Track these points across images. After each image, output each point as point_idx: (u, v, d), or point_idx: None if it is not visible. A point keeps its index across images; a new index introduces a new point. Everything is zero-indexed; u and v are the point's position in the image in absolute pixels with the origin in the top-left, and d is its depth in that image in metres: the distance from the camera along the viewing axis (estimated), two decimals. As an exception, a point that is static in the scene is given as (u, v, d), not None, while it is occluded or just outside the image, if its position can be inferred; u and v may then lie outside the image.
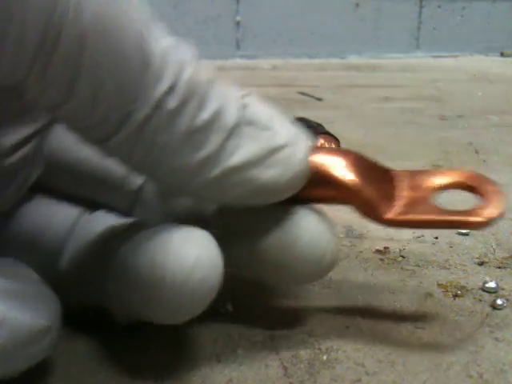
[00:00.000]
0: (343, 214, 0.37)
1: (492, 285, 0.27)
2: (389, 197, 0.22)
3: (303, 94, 0.85)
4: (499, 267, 0.30)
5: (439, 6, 1.37)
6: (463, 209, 0.23)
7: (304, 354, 0.23)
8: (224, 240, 0.20)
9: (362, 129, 0.63)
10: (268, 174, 0.20)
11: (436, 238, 0.34)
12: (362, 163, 0.22)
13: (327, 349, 0.23)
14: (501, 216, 0.21)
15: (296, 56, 1.25)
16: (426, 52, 1.36)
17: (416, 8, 1.36)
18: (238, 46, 1.29)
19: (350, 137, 0.58)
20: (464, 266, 0.30)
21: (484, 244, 0.33)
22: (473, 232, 0.35)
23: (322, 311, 0.26)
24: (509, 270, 0.30)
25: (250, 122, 0.20)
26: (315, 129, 0.51)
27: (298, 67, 1.15)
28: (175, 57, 0.18)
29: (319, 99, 0.81)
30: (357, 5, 1.32)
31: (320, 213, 0.22)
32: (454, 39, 1.38)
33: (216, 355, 0.22)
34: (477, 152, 0.54)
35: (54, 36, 0.16)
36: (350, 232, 0.34)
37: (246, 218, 0.22)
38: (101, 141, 0.18)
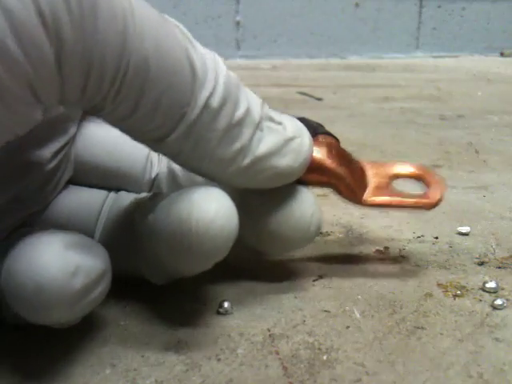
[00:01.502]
0: (343, 215, 0.37)
1: (492, 285, 0.27)
2: (361, 183, 0.28)
3: (303, 93, 0.85)
4: (499, 267, 0.30)
5: (439, 6, 1.37)
6: (415, 193, 0.28)
7: (304, 353, 0.23)
8: None
9: (361, 129, 0.63)
10: (285, 161, 0.24)
11: (436, 237, 0.34)
12: (343, 154, 0.27)
13: (327, 349, 0.23)
14: (441, 199, 0.28)
15: (296, 56, 1.25)
16: (425, 52, 1.36)
17: (416, 8, 1.37)
18: (238, 46, 1.29)
19: (349, 137, 0.58)
20: (464, 265, 0.30)
21: (484, 244, 0.33)
22: (473, 232, 0.35)
23: (321, 311, 0.26)
24: (509, 270, 0.30)
25: (268, 118, 0.23)
26: (315, 129, 0.51)
27: (297, 67, 1.15)
28: (211, 65, 0.21)
29: (319, 99, 0.81)
30: (357, 5, 1.32)
31: (307, 191, 0.26)
32: (454, 39, 1.38)
33: (216, 355, 0.22)
34: (477, 152, 0.54)
35: (125, 64, 0.18)
36: (350, 232, 0.34)
37: (251, 200, 0.26)
38: (157, 141, 0.21)
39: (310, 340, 0.23)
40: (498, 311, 0.26)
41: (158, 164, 0.29)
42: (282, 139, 0.23)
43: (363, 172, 0.28)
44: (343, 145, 0.50)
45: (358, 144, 0.56)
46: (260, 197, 0.25)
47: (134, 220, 0.26)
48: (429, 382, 0.21)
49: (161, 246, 0.22)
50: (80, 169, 0.28)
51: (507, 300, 0.26)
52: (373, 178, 0.28)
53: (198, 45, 0.21)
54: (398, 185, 0.29)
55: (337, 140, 0.49)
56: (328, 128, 0.54)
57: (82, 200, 0.28)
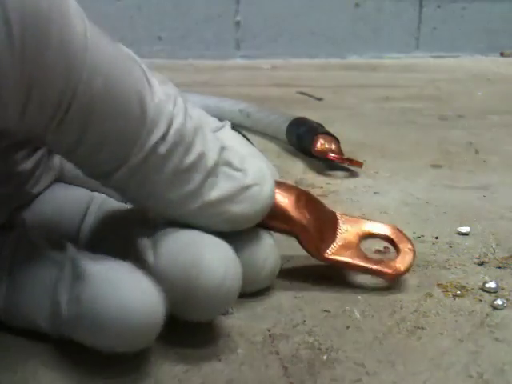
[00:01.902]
0: (343, 214, 0.37)
1: (492, 285, 0.27)
2: (328, 237, 0.27)
3: (303, 93, 0.85)
4: (499, 267, 0.30)
5: (439, 6, 1.37)
6: (381, 258, 0.28)
7: (304, 353, 0.23)
8: None
9: (362, 129, 0.63)
10: (239, 208, 0.23)
11: (436, 237, 0.34)
12: (314, 204, 0.27)
13: (327, 349, 0.23)
14: (405, 272, 0.27)
15: (296, 56, 1.25)
16: (425, 52, 1.36)
17: (416, 8, 1.36)
18: (237, 46, 1.29)
19: (349, 137, 0.58)
20: (464, 265, 0.30)
21: (484, 244, 0.33)
22: (473, 232, 0.35)
23: (322, 311, 0.26)
24: (509, 270, 0.30)
25: (226, 163, 0.23)
26: (315, 129, 0.51)
27: (297, 67, 1.15)
28: (167, 110, 0.21)
29: (319, 99, 0.81)
30: (357, 5, 1.32)
31: (267, 236, 0.26)
32: (454, 39, 1.38)
33: (216, 355, 0.22)
34: (477, 152, 0.54)
35: (69, 97, 0.18)
36: (350, 232, 0.34)
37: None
38: (101, 177, 0.21)
39: (310, 340, 0.23)
40: (497, 311, 0.26)
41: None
42: (237, 186, 0.23)
43: (334, 225, 0.28)
44: (343, 145, 0.50)
45: (358, 144, 0.56)
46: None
47: (127, 233, 0.24)
48: (429, 382, 0.21)
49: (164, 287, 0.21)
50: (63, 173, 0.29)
51: (507, 300, 0.26)
52: (342, 233, 0.28)
53: (156, 84, 0.21)
54: (369, 242, 0.29)
55: (337, 140, 0.50)
56: (328, 128, 0.54)
57: (67, 196, 0.27)
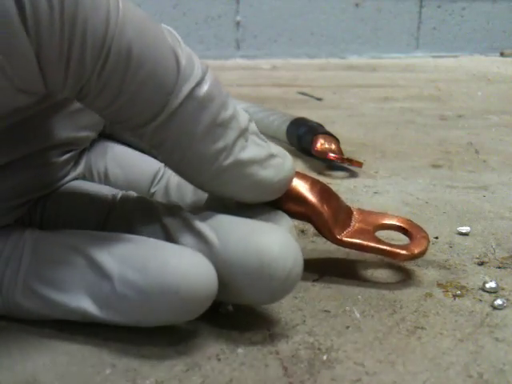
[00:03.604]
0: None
1: (492, 285, 0.27)
2: (343, 224, 0.28)
3: (303, 93, 0.85)
4: (499, 267, 0.30)
5: (439, 6, 1.37)
6: (395, 243, 0.28)
7: (304, 353, 0.23)
8: None
9: (361, 129, 0.63)
10: (265, 172, 0.23)
11: (436, 237, 0.34)
12: (329, 193, 0.28)
13: (327, 349, 0.23)
14: (419, 255, 0.27)
15: (296, 56, 1.25)
16: (425, 52, 1.36)
17: (416, 8, 1.36)
18: (237, 46, 1.29)
19: (349, 137, 0.58)
20: (464, 265, 0.30)
21: (484, 244, 0.33)
22: (473, 232, 0.35)
23: (321, 311, 0.26)
24: (509, 269, 0.30)
25: (254, 132, 0.24)
26: (315, 129, 0.51)
27: (297, 67, 1.15)
28: (199, 64, 0.22)
29: (319, 99, 0.81)
30: (357, 5, 1.32)
31: (287, 217, 0.26)
32: (454, 39, 1.38)
33: (216, 355, 0.22)
34: (477, 152, 0.54)
35: (107, 47, 0.19)
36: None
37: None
38: (138, 128, 0.21)
39: (310, 340, 0.23)
40: (497, 311, 0.26)
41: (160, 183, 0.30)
42: (265, 152, 0.23)
43: (349, 215, 0.29)
44: (343, 145, 0.50)
45: (358, 144, 0.56)
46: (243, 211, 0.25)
47: (165, 226, 0.25)
48: (429, 382, 0.21)
49: (230, 282, 0.22)
50: (90, 174, 0.30)
51: (507, 300, 0.26)
52: (357, 223, 0.28)
53: (186, 47, 0.22)
54: (382, 234, 0.29)
55: (337, 140, 0.50)
56: (328, 128, 0.54)
57: (91, 190, 0.28)
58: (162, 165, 0.31)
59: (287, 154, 0.25)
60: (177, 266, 0.21)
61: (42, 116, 0.25)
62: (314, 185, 0.27)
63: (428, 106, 0.77)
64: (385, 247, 0.27)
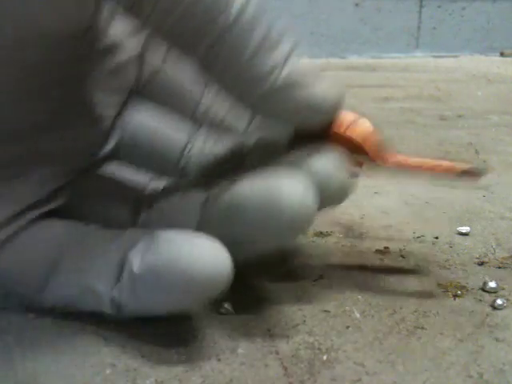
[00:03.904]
0: (343, 215, 0.37)
1: (492, 285, 0.27)
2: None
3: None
4: (499, 267, 0.30)
5: (439, 6, 1.37)
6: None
7: (304, 353, 0.23)
8: None
9: (362, 129, 0.63)
10: (319, 92, 0.23)
11: (436, 237, 0.34)
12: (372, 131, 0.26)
13: (327, 349, 0.23)
14: (472, 171, 0.26)
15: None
16: (425, 52, 1.36)
17: (416, 8, 1.36)
18: (238, 46, 1.28)
19: (350, 137, 0.58)
20: (464, 265, 0.30)
21: (484, 244, 0.33)
22: (473, 232, 0.35)
23: (321, 311, 0.26)
24: (509, 269, 0.30)
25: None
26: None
27: (297, 67, 1.14)
28: None
29: (319, 99, 0.81)
30: (357, 5, 1.32)
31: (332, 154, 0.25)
32: (454, 39, 1.38)
33: (216, 355, 0.22)
34: (477, 152, 0.54)
35: None
36: (350, 232, 0.34)
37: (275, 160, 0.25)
38: (194, 45, 0.22)
39: (310, 340, 0.23)
40: (497, 311, 0.26)
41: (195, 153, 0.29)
42: (317, 73, 0.23)
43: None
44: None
45: (358, 144, 0.56)
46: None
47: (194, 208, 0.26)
48: (429, 382, 0.21)
49: (244, 219, 0.23)
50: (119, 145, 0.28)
51: (507, 300, 0.26)
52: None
53: None
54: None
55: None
56: (328, 128, 0.54)
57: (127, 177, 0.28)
58: (191, 135, 0.30)
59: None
60: (190, 250, 0.21)
61: (78, 76, 0.24)
62: (357, 116, 0.26)
63: (428, 106, 0.77)
64: (442, 162, 0.26)
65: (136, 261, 0.22)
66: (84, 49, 0.24)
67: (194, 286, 0.21)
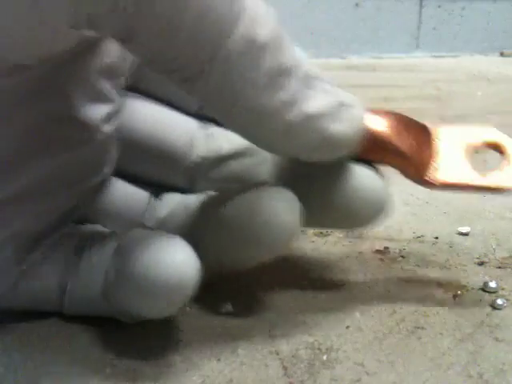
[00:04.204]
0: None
1: (492, 285, 0.27)
2: (429, 156, 0.24)
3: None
4: (499, 267, 0.30)
5: (439, 6, 1.37)
6: (492, 171, 0.24)
7: (304, 353, 0.23)
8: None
9: (362, 129, 0.63)
10: (337, 125, 0.21)
11: (436, 237, 0.34)
12: (407, 123, 0.24)
13: (327, 349, 0.23)
14: None
15: (296, 56, 1.24)
16: (425, 52, 1.36)
17: (416, 8, 1.36)
18: (238, 46, 1.28)
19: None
20: (464, 265, 0.30)
21: (484, 244, 0.33)
22: (473, 232, 0.35)
23: (322, 311, 0.26)
24: (509, 270, 0.30)
25: (323, 80, 0.21)
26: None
27: (298, 67, 1.14)
28: (262, 6, 0.19)
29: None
30: (357, 5, 1.32)
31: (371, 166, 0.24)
32: (454, 39, 1.38)
33: (216, 355, 0.22)
34: (477, 152, 0.54)
35: None
36: (349, 232, 0.34)
37: (312, 178, 0.24)
38: (194, 77, 0.19)
39: (310, 340, 0.23)
40: (497, 311, 0.26)
41: (201, 148, 0.27)
42: (336, 102, 0.21)
43: (432, 141, 0.24)
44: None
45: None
46: (324, 168, 0.23)
47: (182, 222, 0.25)
48: (429, 382, 0.21)
49: (228, 235, 0.23)
50: (119, 147, 0.26)
51: (507, 300, 0.26)
52: (444, 149, 0.24)
53: None
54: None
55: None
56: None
57: (126, 197, 0.27)
58: (197, 125, 0.28)
59: (357, 99, 0.23)
60: (161, 258, 0.21)
61: (63, 83, 0.22)
62: (389, 120, 0.23)
63: (428, 106, 0.77)
64: (487, 184, 0.24)
65: (111, 270, 0.22)
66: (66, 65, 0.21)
67: (152, 295, 0.21)
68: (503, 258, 0.31)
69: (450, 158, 0.24)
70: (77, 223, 0.25)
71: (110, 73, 0.23)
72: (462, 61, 1.27)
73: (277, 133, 0.21)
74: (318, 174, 0.24)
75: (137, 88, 0.27)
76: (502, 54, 1.38)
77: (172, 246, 0.21)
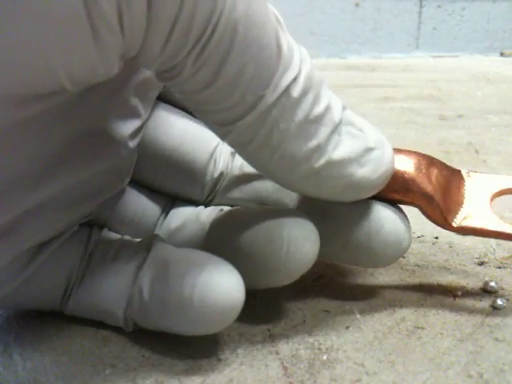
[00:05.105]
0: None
1: (492, 285, 0.27)
2: (455, 201, 0.24)
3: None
4: (499, 267, 0.30)
5: (439, 6, 1.37)
6: None
7: (304, 353, 0.23)
8: None
9: (361, 129, 0.63)
10: (362, 170, 0.21)
11: (436, 237, 0.34)
12: (435, 164, 0.23)
13: (327, 349, 0.23)
14: None
15: (296, 56, 1.24)
16: (426, 52, 1.36)
17: (416, 8, 1.36)
18: (238, 46, 1.28)
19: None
20: (464, 265, 0.30)
21: (484, 244, 0.33)
22: (473, 232, 0.35)
23: (321, 311, 0.26)
24: (509, 269, 0.30)
25: (349, 123, 0.21)
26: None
27: (298, 67, 1.14)
28: (297, 52, 0.20)
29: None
30: (357, 5, 1.32)
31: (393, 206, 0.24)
32: (454, 39, 1.38)
33: (216, 355, 0.22)
34: (477, 152, 0.54)
35: (214, 22, 0.17)
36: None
37: (332, 212, 0.24)
38: (227, 124, 0.19)
39: (310, 340, 0.23)
40: (497, 311, 0.26)
41: (223, 165, 0.27)
42: (362, 147, 0.21)
43: (459, 186, 0.24)
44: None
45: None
46: (348, 205, 0.23)
47: (194, 235, 0.25)
48: (429, 381, 0.21)
49: (243, 261, 0.22)
50: (140, 157, 0.26)
51: (507, 300, 0.26)
52: (470, 194, 0.24)
53: (286, 30, 0.20)
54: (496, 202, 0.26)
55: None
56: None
57: (140, 206, 0.27)
58: (223, 143, 0.27)
59: (385, 140, 0.22)
60: (195, 277, 0.21)
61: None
62: (420, 164, 0.23)
63: (428, 105, 0.77)
64: (509, 231, 0.24)
65: (145, 287, 0.22)
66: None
67: (205, 319, 0.21)
68: (503, 258, 0.31)
69: (478, 204, 0.24)
70: (85, 225, 0.25)
71: (144, 88, 0.23)
72: (462, 61, 1.27)
73: (302, 177, 0.21)
74: (340, 209, 0.24)
75: (163, 97, 0.27)
76: (502, 54, 1.38)
77: (225, 272, 0.21)
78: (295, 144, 0.20)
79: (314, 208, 0.24)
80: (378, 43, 1.34)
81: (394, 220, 0.24)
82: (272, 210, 0.23)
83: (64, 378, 0.21)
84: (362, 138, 0.21)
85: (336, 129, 0.21)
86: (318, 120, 0.20)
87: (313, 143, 0.20)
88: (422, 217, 0.37)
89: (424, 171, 0.23)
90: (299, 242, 0.22)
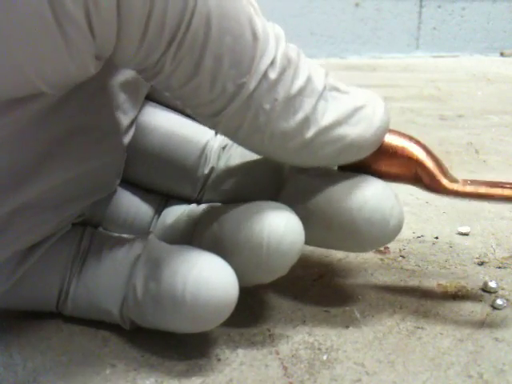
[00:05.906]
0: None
1: (492, 285, 0.27)
2: (443, 167, 0.24)
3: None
4: (499, 267, 0.30)
5: (439, 6, 1.37)
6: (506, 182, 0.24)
7: (304, 353, 0.23)
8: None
9: (361, 129, 0.63)
10: (355, 130, 0.21)
11: (436, 237, 0.34)
12: (422, 144, 0.24)
13: (327, 349, 0.23)
14: None
15: (296, 56, 1.24)
16: (426, 52, 1.36)
17: (416, 8, 1.36)
18: (238, 46, 1.28)
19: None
20: (464, 266, 0.30)
21: (484, 244, 0.33)
22: (473, 232, 0.35)
23: (322, 311, 0.26)
24: (509, 269, 0.30)
25: (333, 87, 0.21)
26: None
27: (298, 67, 1.14)
28: (272, 32, 0.20)
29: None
30: (357, 5, 1.32)
31: (383, 182, 0.23)
32: (454, 39, 1.38)
33: (216, 355, 0.22)
34: (477, 152, 0.54)
35: (189, 16, 0.17)
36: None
37: (315, 192, 0.23)
38: (214, 114, 0.20)
39: (310, 340, 0.23)
40: (497, 311, 0.26)
41: (213, 160, 0.27)
42: (350, 107, 0.21)
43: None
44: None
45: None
46: (330, 181, 0.23)
47: (185, 232, 0.25)
48: (429, 381, 0.21)
49: (227, 258, 0.22)
50: (130, 156, 0.26)
51: (507, 300, 0.26)
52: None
53: (260, 13, 0.20)
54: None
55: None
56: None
57: (133, 204, 0.27)
58: (211, 135, 0.27)
59: (376, 97, 0.23)
60: (186, 274, 0.20)
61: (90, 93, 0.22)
62: (401, 134, 0.24)
63: (428, 105, 0.77)
64: (502, 187, 0.24)
65: (139, 285, 0.22)
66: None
67: (198, 315, 0.20)
68: (503, 258, 0.31)
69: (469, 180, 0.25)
70: (79, 225, 0.25)
71: (132, 85, 0.23)
72: (462, 61, 1.27)
73: (297, 150, 0.21)
74: (322, 187, 0.23)
75: (151, 95, 0.27)
76: (502, 54, 1.38)
77: (217, 268, 0.21)
78: (283, 121, 0.20)
79: (294, 191, 0.24)
80: (378, 43, 1.34)
81: (378, 196, 0.22)
82: (255, 205, 0.23)
83: (64, 377, 0.21)
84: (349, 98, 0.21)
85: (321, 96, 0.21)
86: (301, 93, 0.20)
87: (300, 116, 0.20)
88: (422, 217, 0.37)
89: (413, 141, 0.23)
90: (280, 237, 0.21)
